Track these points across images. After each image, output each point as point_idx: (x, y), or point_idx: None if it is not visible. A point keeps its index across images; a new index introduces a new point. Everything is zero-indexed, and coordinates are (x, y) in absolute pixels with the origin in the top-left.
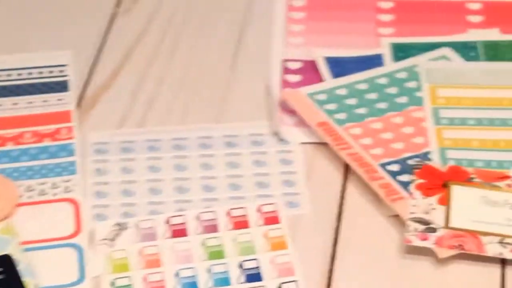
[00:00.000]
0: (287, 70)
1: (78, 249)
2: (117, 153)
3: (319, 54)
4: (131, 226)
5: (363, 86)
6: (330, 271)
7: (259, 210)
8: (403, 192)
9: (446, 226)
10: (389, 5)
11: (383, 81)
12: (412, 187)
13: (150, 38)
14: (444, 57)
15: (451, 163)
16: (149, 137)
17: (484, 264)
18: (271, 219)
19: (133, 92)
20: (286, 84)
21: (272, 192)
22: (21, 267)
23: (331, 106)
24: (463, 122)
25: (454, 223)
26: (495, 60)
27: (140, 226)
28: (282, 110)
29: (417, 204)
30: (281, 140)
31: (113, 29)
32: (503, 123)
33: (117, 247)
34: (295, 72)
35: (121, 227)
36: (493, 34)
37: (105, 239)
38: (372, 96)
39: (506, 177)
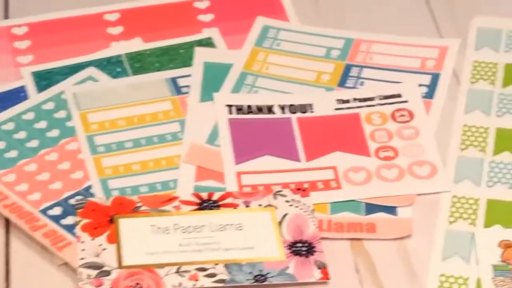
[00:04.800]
0: None
1: None
2: None
3: None
4: None
5: (9, 126)
6: None
7: None
8: (70, 237)
9: (120, 266)
10: (23, 30)
11: (30, 116)
12: (78, 230)
13: None
14: (90, 78)
15: (116, 193)
16: None
17: None
18: None
19: None
20: None
21: None
22: None
23: None
24: (120, 146)
25: (127, 261)
26: (142, 72)
27: None
28: None
29: (86, 247)
30: None
31: None
32: (162, 139)
33: None
34: None
35: None
36: (136, 44)
37: None
38: (21, 135)
39: (172, 198)
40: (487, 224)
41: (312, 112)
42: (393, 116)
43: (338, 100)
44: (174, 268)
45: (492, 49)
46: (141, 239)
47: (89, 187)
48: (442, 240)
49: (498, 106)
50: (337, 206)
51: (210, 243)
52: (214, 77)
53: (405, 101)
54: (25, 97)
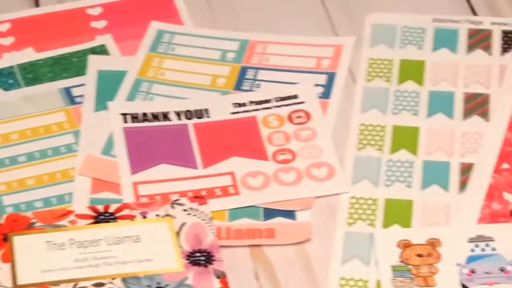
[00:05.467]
0: None
1: None
2: None
3: None
4: None
5: None
6: None
7: None
8: None
9: (15, 286)
10: None
11: None
12: None
13: None
14: None
15: (10, 210)
16: None
17: None
18: None
19: None
20: None
21: None
22: None
23: None
24: (13, 161)
25: (22, 280)
26: (35, 83)
27: None
28: None
29: None
30: None
31: None
32: (56, 152)
33: None
34: None
35: None
36: (28, 55)
37: None
38: None
39: (67, 213)
40: (386, 224)
41: (208, 117)
42: (290, 118)
43: (234, 104)
44: (71, 285)
45: (387, 45)
46: (36, 257)
47: None
48: (342, 242)
49: (394, 103)
50: (235, 213)
51: (107, 257)
52: (108, 85)
53: (302, 102)
54: None
